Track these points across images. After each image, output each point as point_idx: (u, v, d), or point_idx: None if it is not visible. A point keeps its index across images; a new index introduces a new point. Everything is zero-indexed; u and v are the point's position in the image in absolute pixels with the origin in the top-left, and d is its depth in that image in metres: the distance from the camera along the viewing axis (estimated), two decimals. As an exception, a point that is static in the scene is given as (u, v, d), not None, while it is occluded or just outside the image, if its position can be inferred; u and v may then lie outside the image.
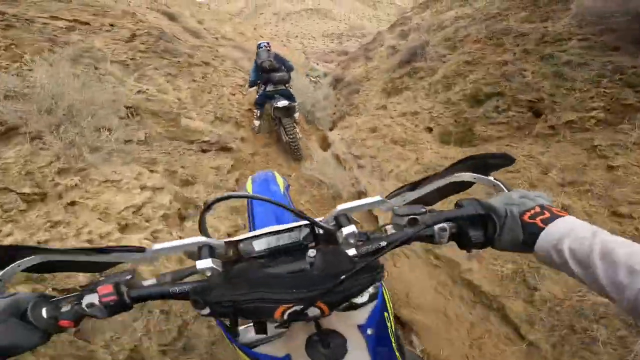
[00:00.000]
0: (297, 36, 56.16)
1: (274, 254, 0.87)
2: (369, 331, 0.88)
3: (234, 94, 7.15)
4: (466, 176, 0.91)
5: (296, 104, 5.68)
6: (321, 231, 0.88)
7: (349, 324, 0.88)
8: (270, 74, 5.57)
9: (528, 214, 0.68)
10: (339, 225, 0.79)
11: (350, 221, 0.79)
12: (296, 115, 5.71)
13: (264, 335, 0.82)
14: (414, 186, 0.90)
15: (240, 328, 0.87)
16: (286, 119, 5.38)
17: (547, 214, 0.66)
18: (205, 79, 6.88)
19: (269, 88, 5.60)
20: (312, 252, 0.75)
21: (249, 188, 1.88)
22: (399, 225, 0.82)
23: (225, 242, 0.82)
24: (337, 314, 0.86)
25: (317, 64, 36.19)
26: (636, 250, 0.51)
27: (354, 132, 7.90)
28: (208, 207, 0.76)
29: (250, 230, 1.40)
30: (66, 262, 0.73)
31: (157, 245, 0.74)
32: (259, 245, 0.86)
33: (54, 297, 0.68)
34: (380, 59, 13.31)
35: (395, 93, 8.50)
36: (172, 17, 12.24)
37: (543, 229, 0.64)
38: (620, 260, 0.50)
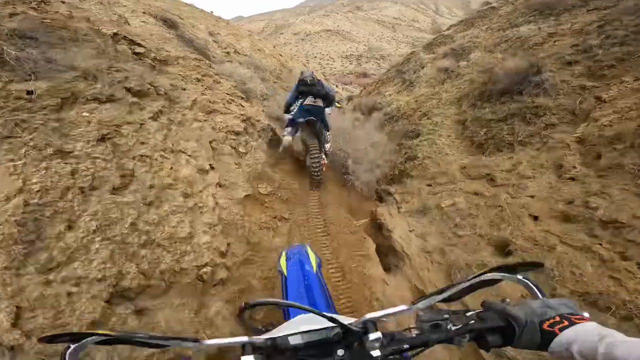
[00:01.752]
0: (315, 57, 53.83)
1: (307, 347, 0.90)
2: None
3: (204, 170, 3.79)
4: (494, 275, 0.85)
5: (329, 133, 5.54)
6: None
7: None
8: (311, 87, 4.90)
9: (548, 322, 0.69)
10: (366, 330, 0.83)
11: (376, 327, 0.83)
12: (327, 145, 5.53)
13: None
14: (441, 291, 0.86)
15: None
16: (312, 141, 5.03)
17: (566, 323, 0.67)
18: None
19: (308, 101, 4.91)
20: (340, 352, 0.85)
21: (283, 265, 1.86)
22: (423, 329, 0.82)
23: (265, 339, 0.87)
24: None
25: (337, 86, 33.48)
26: (633, 348, 0.54)
27: (437, 220, 4.37)
28: (244, 309, 0.86)
29: (283, 306, 1.52)
30: (132, 341, 0.79)
31: (208, 341, 0.82)
32: (294, 340, 0.90)
33: None
34: (430, 85, 9.80)
35: (495, 147, 4.92)
36: (171, 25, 8.94)
37: (557, 334, 0.66)
38: (619, 358, 0.54)
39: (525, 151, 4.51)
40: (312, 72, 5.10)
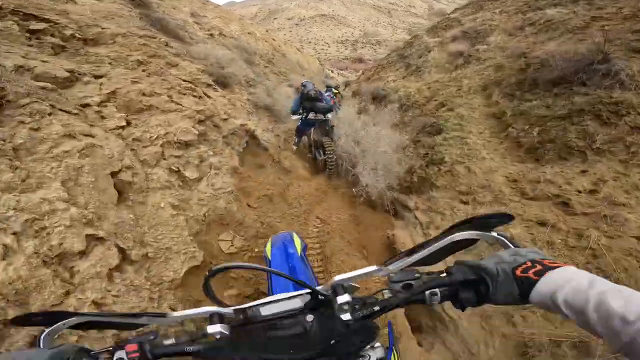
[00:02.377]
0: (310, 42, 51.89)
1: (278, 318, 0.85)
2: None
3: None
4: (467, 234, 0.81)
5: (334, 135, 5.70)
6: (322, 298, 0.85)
7: None
8: (314, 103, 5.36)
9: (520, 269, 0.63)
10: (335, 294, 0.78)
11: (345, 290, 0.78)
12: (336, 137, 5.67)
13: None
14: (411, 252, 0.82)
15: None
16: (325, 138, 5.43)
17: (539, 267, 0.61)
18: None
19: (311, 116, 5.44)
20: (309, 317, 0.80)
21: (268, 250, 1.84)
22: (394, 290, 0.78)
23: (234, 309, 0.83)
24: None
25: (332, 71, 32.01)
26: (630, 300, 0.48)
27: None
28: (210, 276, 0.75)
29: (268, 289, 1.54)
30: (103, 322, 0.80)
31: (175, 313, 0.82)
32: (265, 311, 0.85)
33: (92, 350, 0.72)
34: (444, 70, 8.40)
35: (556, 154, 3.58)
36: (140, 4, 7.38)
37: (537, 281, 0.60)
38: (615, 312, 0.48)
39: (606, 163, 3.17)
40: (314, 85, 5.63)
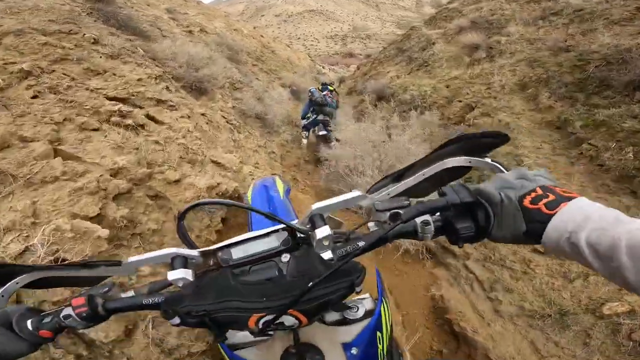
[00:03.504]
0: (299, 38, 50.59)
1: (252, 261, 0.70)
2: (353, 350, 0.76)
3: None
4: (459, 160, 0.70)
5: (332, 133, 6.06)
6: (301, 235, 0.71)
7: (333, 341, 0.77)
8: (322, 107, 6.20)
9: (529, 197, 0.48)
10: (313, 227, 0.63)
11: (325, 221, 0.64)
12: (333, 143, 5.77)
13: (251, 339, 0.81)
14: (398, 176, 0.72)
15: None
16: (322, 132, 6.19)
17: (552, 196, 0.47)
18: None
19: (319, 117, 6.22)
20: (284, 258, 0.68)
21: (249, 194, 1.68)
22: (381, 222, 0.67)
23: (200, 251, 0.70)
24: (322, 328, 0.78)
25: (323, 67, 30.85)
26: None
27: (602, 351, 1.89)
28: (182, 215, 0.66)
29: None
30: (59, 277, 0.70)
31: (131, 258, 0.68)
32: (237, 254, 0.71)
33: (40, 310, 0.67)
34: (459, 65, 7.24)
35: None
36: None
37: (550, 216, 0.45)
38: None
39: None
40: (320, 93, 6.38)
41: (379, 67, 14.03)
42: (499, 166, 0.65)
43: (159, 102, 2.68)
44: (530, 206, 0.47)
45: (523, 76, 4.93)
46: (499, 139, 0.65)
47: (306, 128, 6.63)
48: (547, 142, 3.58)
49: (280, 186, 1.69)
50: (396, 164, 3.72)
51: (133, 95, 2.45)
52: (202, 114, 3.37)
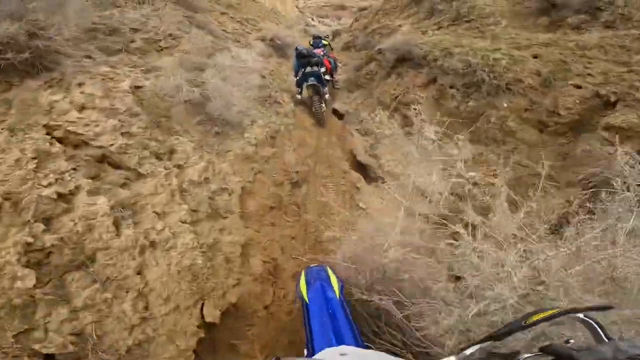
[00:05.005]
0: (287, -16, 44.92)
1: None
2: None
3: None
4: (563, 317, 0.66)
5: (326, 88, 5.70)
6: None
7: None
8: (309, 59, 5.60)
9: None
10: None
11: None
12: (327, 96, 5.69)
13: None
14: (490, 338, 0.70)
15: None
16: (315, 96, 5.38)
17: None
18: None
19: (308, 69, 5.58)
20: None
21: (303, 289, 1.62)
22: None
23: None
24: None
25: (312, 19, 27.33)
26: None
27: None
28: None
29: (307, 339, 1.35)
30: None
31: None
32: None
33: None
34: (537, 26, 4.66)
35: None
36: None
37: None
38: None
39: None
40: (304, 47, 5.87)
41: (384, 19, 11.17)
42: (592, 323, 0.65)
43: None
44: None
45: None
46: (603, 310, 0.71)
47: (298, 84, 5.89)
48: None
49: (334, 283, 1.63)
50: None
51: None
52: None
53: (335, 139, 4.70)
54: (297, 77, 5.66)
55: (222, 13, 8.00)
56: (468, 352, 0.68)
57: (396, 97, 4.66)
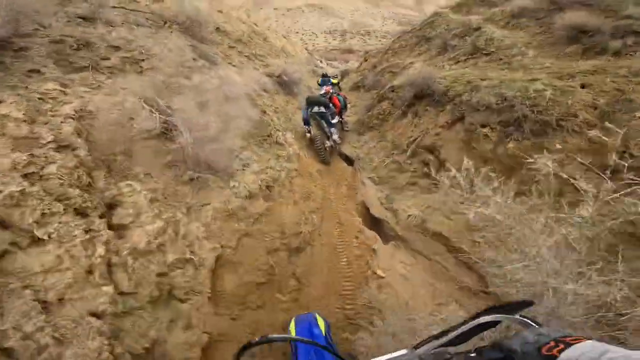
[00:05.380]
0: (297, 32, 47.18)
1: None
2: None
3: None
4: (492, 317, 0.79)
5: (333, 128, 5.62)
6: None
7: None
8: (315, 104, 5.59)
9: (545, 347, 0.61)
10: None
11: None
12: (335, 136, 5.61)
13: None
14: (439, 335, 0.81)
15: None
16: (317, 134, 5.37)
17: (562, 345, 0.61)
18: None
19: (315, 109, 5.56)
20: None
21: (292, 330, 1.65)
22: None
23: None
24: None
25: (321, 61, 28.01)
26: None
27: None
28: (246, 348, 0.69)
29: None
30: None
31: None
32: None
33: None
34: (550, 53, 3.99)
35: None
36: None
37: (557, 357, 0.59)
38: None
39: None
40: (315, 95, 6.13)
41: (393, 58, 10.98)
42: (529, 321, 0.75)
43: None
44: (547, 353, 0.58)
45: None
46: (524, 306, 0.79)
47: (306, 122, 5.74)
48: None
49: (321, 323, 1.67)
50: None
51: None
52: None
53: (346, 189, 4.01)
54: (305, 117, 5.57)
55: (231, 47, 7.70)
56: (421, 349, 0.79)
57: (414, 140, 3.99)
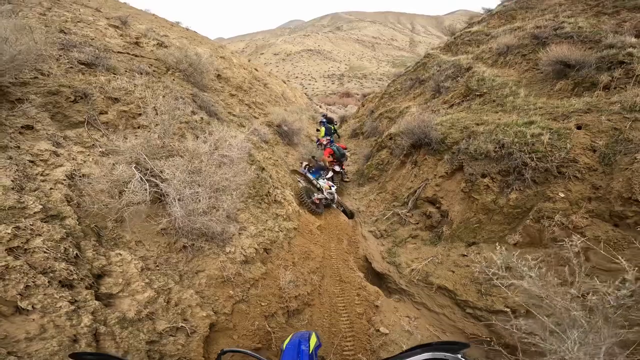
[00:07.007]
0: (297, 77, 48.82)
1: None
2: None
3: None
4: (436, 355, 0.82)
5: (327, 183, 5.62)
6: None
7: None
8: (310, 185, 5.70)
9: None
10: None
11: None
12: (333, 188, 5.43)
13: None
14: None
15: None
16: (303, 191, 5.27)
17: None
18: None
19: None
20: None
21: (285, 343, 1.64)
22: None
23: None
24: None
25: (320, 106, 28.64)
26: None
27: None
28: (220, 355, 0.87)
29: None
30: None
31: None
32: None
33: None
34: (540, 90, 3.96)
35: None
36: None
37: None
38: None
39: None
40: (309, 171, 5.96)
41: (390, 102, 11.24)
42: None
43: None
44: None
45: None
46: (463, 346, 0.80)
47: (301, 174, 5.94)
48: None
49: (312, 341, 1.67)
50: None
51: None
52: None
53: (347, 244, 3.83)
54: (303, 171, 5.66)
55: (232, 95, 7.84)
56: None
57: (414, 191, 3.87)
